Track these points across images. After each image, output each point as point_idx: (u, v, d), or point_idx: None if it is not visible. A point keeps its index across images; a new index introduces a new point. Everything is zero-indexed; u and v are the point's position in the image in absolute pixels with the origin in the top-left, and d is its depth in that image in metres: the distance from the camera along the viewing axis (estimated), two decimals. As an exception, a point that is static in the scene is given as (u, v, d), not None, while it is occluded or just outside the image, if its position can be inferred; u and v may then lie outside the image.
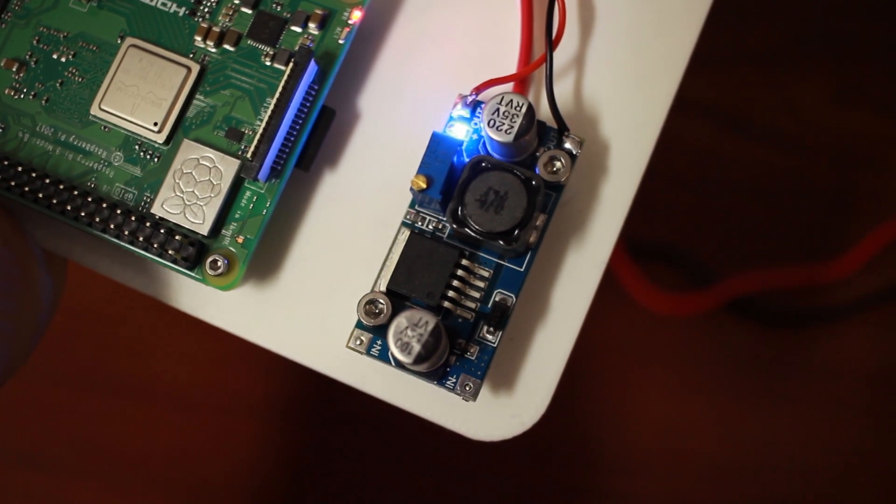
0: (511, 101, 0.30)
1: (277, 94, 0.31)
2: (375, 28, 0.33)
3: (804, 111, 0.59)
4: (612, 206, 0.32)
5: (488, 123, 0.30)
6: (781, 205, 0.58)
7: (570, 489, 0.55)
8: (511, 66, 0.32)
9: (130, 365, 0.56)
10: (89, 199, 0.32)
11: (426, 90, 0.33)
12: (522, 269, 0.30)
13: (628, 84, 0.32)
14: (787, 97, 0.58)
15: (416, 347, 0.28)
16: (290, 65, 0.31)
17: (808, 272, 0.58)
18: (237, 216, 0.31)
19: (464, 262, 0.30)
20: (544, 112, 0.32)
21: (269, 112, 0.31)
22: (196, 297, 0.32)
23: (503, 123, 0.30)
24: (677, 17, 0.33)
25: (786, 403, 0.57)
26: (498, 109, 0.30)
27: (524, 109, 0.30)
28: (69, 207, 0.32)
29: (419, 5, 0.33)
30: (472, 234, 0.30)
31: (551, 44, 0.31)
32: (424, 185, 0.30)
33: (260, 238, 0.31)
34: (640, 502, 0.56)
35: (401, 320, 0.28)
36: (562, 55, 0.32)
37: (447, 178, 0.30)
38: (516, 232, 0.30)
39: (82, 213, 0.32)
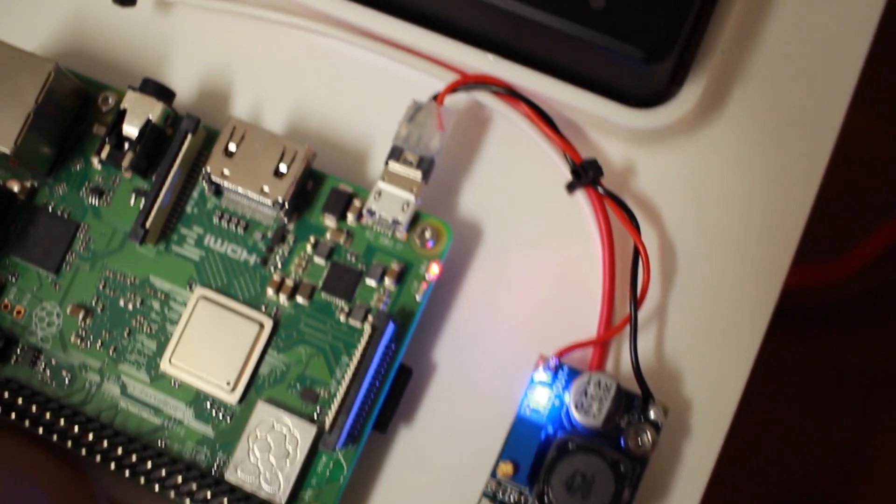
0: (599, 382, 0.29)
1: (355, 364, 0.30)
2: (450, 276, 0.32)
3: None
4: (695, 468, 0.31)
5: (576, 406, 0.29)
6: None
7: None
8: (591, 318, 0.32)
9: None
10: (161, 460, 0.31)
11: (504, 342, 0.32)
12: (607, 546, 0.30)
13: (710, 339, 0.32)
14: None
15: None
16: (368, 330, 0.30)
17: (808, 272, 0.57)
18: (313, 483, 0.31)
19: (549, 543, 0.29)
20: (625, 370, 0.31)
21: (346, 381, 0.30)
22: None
23: (591, 406, 0.29)
24: (758, 271, 0.32)
25: (785, 403, 0.57)
26: (586, 391, 0.29)
27: (612, 392, 0.29)
28: (140, 469, 0.31)
29: (495, 251, 0.33)
30: (559, 519, 0.29)
31: (636, 308, 0.31)
32: (511, 473, 0.29)
33: (336, 506, 0.31)
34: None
35: None
36: (642, 309, 0.32)
37: (533, 460, 0.29)
38: (604, 518, 0.29)
39: (154, 476, 0.31)
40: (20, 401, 0.32)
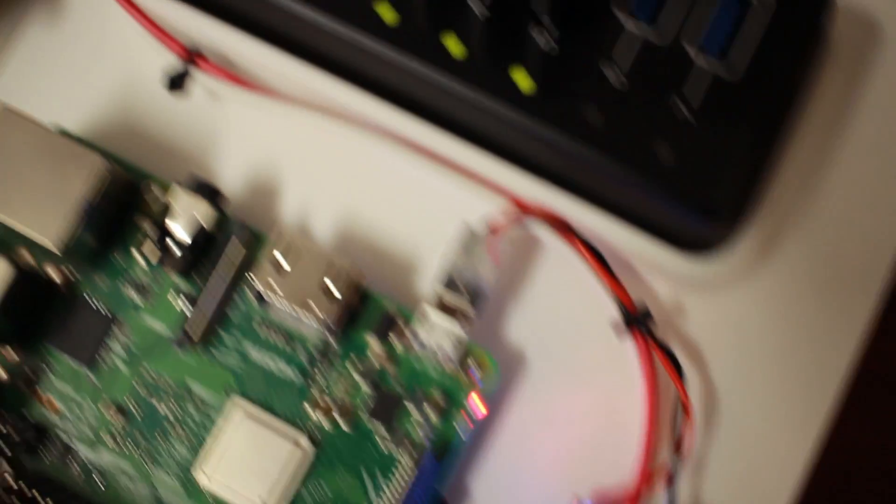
0: (637, 544, 0.29)
1: (394, 498, 0.30)
2: (490, 404, 0.32)
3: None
4: None
5: (612, 565, 0.29)
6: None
7: None
8: (629, 458, 0.32)
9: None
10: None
11: (539, 477, 0.32)
12: None
13: (746, 492, 0.32)
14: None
15: None
16: (410, 464, 0.30)
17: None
18: None
19: None
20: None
21: (385, 516, 0.30)
22: None
23: (627, 566, 0.29)
24: (796, 426, 0.32)
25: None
26: (623, 551, 0.29)
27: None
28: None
29: (536, 383, 0.33)
30: None
31: (676, 466, 0.31)
32: None
33: None
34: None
35: None
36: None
37: None
38: None
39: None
40: (50, 502, 0.31)
